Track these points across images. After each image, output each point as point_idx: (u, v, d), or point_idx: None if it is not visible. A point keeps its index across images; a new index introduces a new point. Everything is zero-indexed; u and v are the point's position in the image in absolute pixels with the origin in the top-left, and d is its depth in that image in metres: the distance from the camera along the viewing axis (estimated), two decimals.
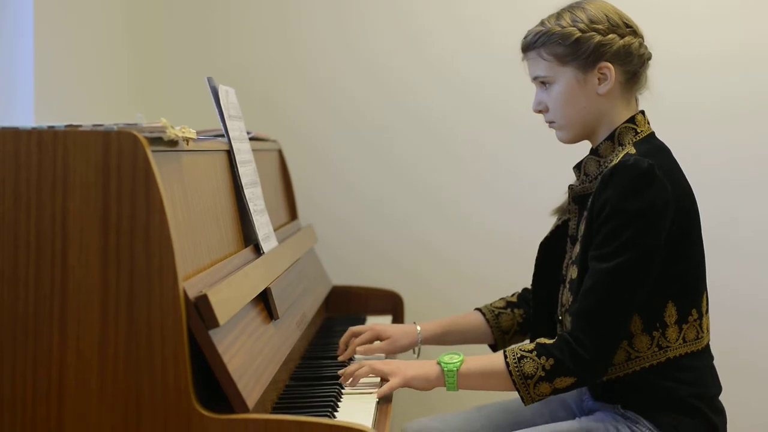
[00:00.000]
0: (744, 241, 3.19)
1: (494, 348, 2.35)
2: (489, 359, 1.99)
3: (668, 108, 2.29)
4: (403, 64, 3.29)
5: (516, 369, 1.92)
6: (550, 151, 3.15)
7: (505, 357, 1.95)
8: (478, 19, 3.26)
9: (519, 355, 1.94)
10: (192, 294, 1.59)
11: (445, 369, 1.98)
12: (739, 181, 3.19)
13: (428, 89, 3.29)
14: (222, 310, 1.63)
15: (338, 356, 2.26)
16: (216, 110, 2.09)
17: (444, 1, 3.28)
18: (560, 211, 2.21)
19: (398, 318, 2.96)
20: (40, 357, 1.58)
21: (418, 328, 2.30)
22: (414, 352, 2.21)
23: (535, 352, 1.93)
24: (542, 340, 1.96)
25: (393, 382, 1.99)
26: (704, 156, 3.15)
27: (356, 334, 2.28)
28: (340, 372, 2.06)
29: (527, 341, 2.10)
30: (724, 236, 3.14)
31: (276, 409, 1.91)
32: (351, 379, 2.03)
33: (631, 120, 2.04)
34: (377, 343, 2.27)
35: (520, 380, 1.92)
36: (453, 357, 2.00)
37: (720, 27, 3.18)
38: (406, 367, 2.01)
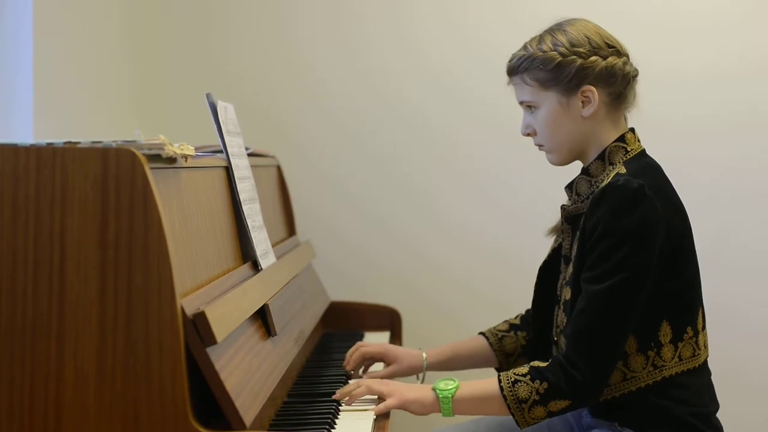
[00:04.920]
0: (739, 255, 3.19)
1: (500, 371, 2.35)
2: (484, 384, 1.99)
3: (660, 122, 2.30)
4: (403, 79, 3.29)
5: (510, 393, 1.92)
6: (551, 165, 3.17)
7: (500, 381, 1.95)
8: (480, 31, 3.27)
9: (513, 380, 1.93)
10: (190, 311, 1.59)
11: (440, 396, 1.98)
12: (733, 195, 3.19)
13: (429, 103, 3.29)
14: (219, 327, 1.63)
15: (345, 366, 2.28)
16: (215, 126, 2.10)
17: (446, 14, 3.29)
18: (555, 230, 2.21)
19: (396, 334, 2.96)
20: (38, 372, 1.57)
21: (424, 354, 2.30)
22: (418, 378, 2.20)
23: (528, 376, 1.93)
24: (536, 363, 1.95)
25: (390, 402, 1.99)
26: (698, 170, 3.16)
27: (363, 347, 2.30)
28: (338, 392, 2.05)
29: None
30: (719, 250, 3.14)
31: (273, 426, 1.90)
32: (348, 398, 2.03)
33: (621, 139, 2.04)
34: (380, 365, 2.28)
35: (515, 405, 1.92)
36: (448, 383, 2.00)
37: (711, 41, 3.19)
38: (404, 390, 2.01)
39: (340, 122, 3.32)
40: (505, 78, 2.12)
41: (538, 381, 1.91)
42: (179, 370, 1.56)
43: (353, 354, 2.30)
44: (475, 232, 3.30)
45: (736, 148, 3.19)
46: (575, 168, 2.19)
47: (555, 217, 2.23)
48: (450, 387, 1.98)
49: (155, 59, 3.31)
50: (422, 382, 2.09)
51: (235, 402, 1.62)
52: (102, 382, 1.57)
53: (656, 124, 2.18)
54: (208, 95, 2.09)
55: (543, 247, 2.27)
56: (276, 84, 3.32)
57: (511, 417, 1.94)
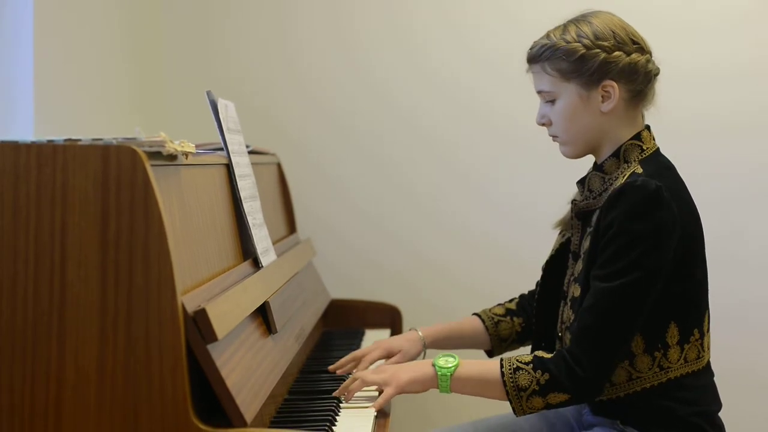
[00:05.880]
0: (742, 254, 3.19)
1: (490, 354, 2.36)
2: (484, 366, 1.99)
3: (671, 119, 2.30)
4: (402, 78, 3.29)
5: (511, 380, 1.92)
6: (550, 163, 3.14)
7: (501, 366, 1.94)
8: (479, 31, 3.26)
9: (515, 366, 1.93)
10: (190, 308, 1.59)
11: (439, 373, 1.97)
12: (742, 193, 3.19)
13: (428, 102, 3.29)
14: (220, 325, 1.63)
15: (333, 369, 2.26)
16: (215, 124, 2.10)
17: (445, 14, 3.29)
18: (562, 223, 2.19)
19: (397, 332, 2.95)
20: (39, 371, 1.57)
21: (420, 333, 2.29)
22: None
23: (531, 365, 1.92)
24: (540, 353, 1.95)
25: (387, 392, 1.98)
26: (698, 169, 3.15)
27: (358, 357, 2.25)
28: (336, 393, 2.05)
29: (526, 351, 2.10)
30: (722, 250, 3.14)
31: (274, 424, 1.90)
32: (346, 393, 2.03)
33: (637, 137, 2.02)
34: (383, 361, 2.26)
35: (514, 391, 1.92)
36: (448, 360, 1.99)
37: (722, 38, 3.18)
38: (399, 374, 2.00)
39: (339, 121, 3.32)
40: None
41: (540, 371, 1.91)
42: (180, 368, 1.56)
43: (359, 364, 2.24)
44: (474, 230, 3.29)
45: (738, 148, 3.18)
46: (576, 166, 2.19)
47: (555, 216, 2.22)
48: (449, 365, 1.97)
49: (155, 59, 3.31)
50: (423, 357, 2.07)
51: (236, 399, 1.62)
52: (102, 380, 1.57)
53: (669, 121, 2.15)
54: (208, 93, 2.09)
55: (543, 246, 2.27)
56: (277, 82, 3.32)
57: (509, 404, 1.94)
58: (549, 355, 1.94)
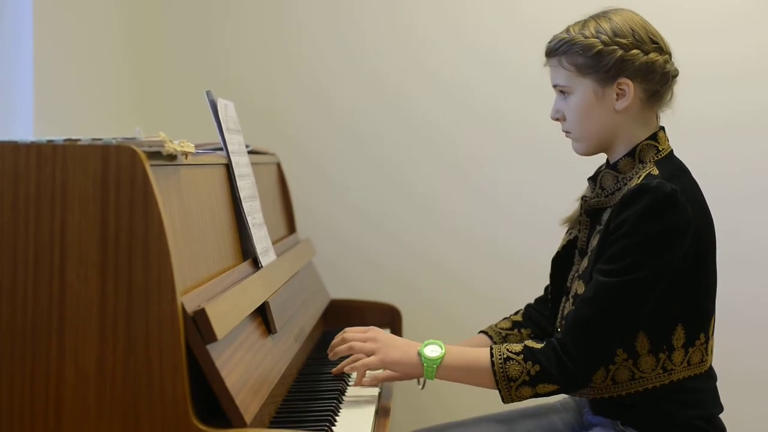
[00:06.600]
0: (745, 254, 3.18)
1: None
2: (472, 355, 1.97)
3: (671, 119, 2.29)
4: (402, 78, 3.30)
5: (501, 370, 1.91)
6: (550, 163, 3.16)
7: (491, 356, 1.93)
8: (480, 31, 3.26)
9: (505, 356, 1.92)
10: (190, 308, 1.59)
11: (425, 364, 1.96)
12: (742, 193, 3.18)
13: (428, 102, 3.29)
14: (220, 325, 1.63)
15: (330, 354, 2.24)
16: (215, 124, 2.10)
17: (445, 14, 3.29)
18: (570, 220, 2.18)
19: (396, 332, 2.95)
20: (39, 371, 1.57)
21: None
22: (419, 383, 2.14)
23: (521, 356, 1.91)
24: (530, 343, 1.94)
25: (371, 360, 1.99)
26: (707, 167, 3.12)
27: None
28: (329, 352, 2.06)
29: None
30: (724, 249, 3.13)
31: (274, 424, 1.90)
32: (351, 369, 2.04)
33: (653, 137, 2.01)
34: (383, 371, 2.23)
35: (504, 381, 1.91)
36: (435, 349, 1.97)
37: (722, 38, 3.18)
38: (388, 350, 2.00)
39: (339, 121, 3.32)
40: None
41: (530, 362, 1.90)
42: (180, 368, 1.56)
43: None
44: (476, 230, 3.30)
45: (738, 148, 3.18)
46: (577, 166, 2.18)
47: (555, 216, 2.22)
48: (436, 356, 1.96)
49: (155, 59, 3.31)
50: (423, 387, 2.07)
51: (236, 399, 1.62)
52: (102, 380, 1.57)
53: (673, 119, 2.14)
54: (208, 93, 2.09)
55: (543, 246, 2.27)
56: (276, 82, 3.32)
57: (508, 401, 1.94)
58: (539, 345, 1.93)
